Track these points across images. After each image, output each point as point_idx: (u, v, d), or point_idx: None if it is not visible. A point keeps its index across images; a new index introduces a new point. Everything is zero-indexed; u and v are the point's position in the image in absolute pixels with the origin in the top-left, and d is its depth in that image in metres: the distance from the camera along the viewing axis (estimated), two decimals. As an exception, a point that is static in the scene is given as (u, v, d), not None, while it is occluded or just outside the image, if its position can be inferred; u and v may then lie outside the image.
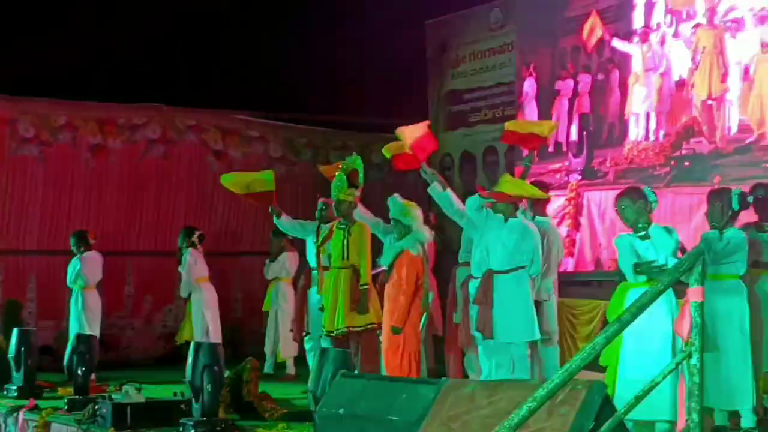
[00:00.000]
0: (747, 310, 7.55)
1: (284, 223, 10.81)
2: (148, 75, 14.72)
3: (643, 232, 7.14)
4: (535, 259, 8.36)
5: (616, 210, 7.49)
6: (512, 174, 10.08)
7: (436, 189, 8.81)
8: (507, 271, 8.33)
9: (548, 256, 8.73)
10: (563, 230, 12.42)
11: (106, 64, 14.77)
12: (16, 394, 10.10)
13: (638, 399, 4.45)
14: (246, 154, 15.09)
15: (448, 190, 8.89)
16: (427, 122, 9.57)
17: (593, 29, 9.56)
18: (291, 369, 12.54)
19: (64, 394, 9.93)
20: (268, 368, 12.42)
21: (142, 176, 14.43)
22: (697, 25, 11.78)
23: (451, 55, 15.91)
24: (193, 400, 8.01)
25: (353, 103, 16.01)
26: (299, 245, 11.67)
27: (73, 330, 11.52)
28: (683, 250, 7.16)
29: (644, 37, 12.40)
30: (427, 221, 9.63)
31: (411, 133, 9.15)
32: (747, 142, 11.12)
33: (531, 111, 13.92)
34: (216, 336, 11.76)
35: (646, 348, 6.97)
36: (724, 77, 11.44)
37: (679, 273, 4.32)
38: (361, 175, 9.93)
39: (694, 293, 4.29)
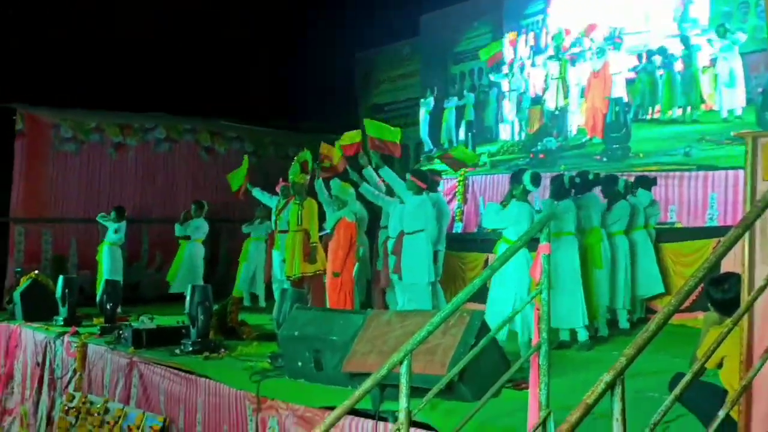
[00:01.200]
0: (577, 257, 7.64)
1: (258, 193, 10.93)
2: (156, 90, 14.50)
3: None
4: (431, 223, 8.45)
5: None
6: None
7: (367, 188, 8.88)
8: (412, 233, 8.42)
9: (441, 220, 8.78)
10: (455, 203, 12.51)
11: (126, 81, 14.53)
12: (62, 323, 9.95)
13: (505, 322, 4.50)
14: (228, 149, 15.01)
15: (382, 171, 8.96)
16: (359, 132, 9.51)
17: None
18: (262, 302, 12.53)
19: (98, 323, 9.81)
20: (246, 302, 12.39)
21: (152, 166, 14.28)
22: (547, 58, 11.89)
23: (373, 78, 15.90)
24: (191, 326, 7.98)
25: (306, 111, 15.95)
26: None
27: (103, 276, 11.39)
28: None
29: (511, 68, 12.48)
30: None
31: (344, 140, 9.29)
32: (583, 141, 11.26)
33: (428, 119, 13.96)
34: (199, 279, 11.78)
35: (508, 286, 7.11)
36: (567, 94, 11.55)
37: (533, 232, 4.38)
38: (310, 164, 9.96)
39: (543, 248, 4.34)
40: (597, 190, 8.40)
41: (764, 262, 3.67)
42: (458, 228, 12.39)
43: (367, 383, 3.88)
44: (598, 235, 7.98)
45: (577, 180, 7.98)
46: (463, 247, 11.10)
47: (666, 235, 9.10)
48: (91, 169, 13.68)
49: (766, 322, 3.58)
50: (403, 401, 3.83)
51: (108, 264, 11.60)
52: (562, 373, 5.83)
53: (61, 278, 10.50)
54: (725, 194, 9.56)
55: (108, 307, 9.67)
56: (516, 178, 7.39)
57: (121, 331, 8.54)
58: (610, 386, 2.95)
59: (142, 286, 13.67)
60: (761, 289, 3.42)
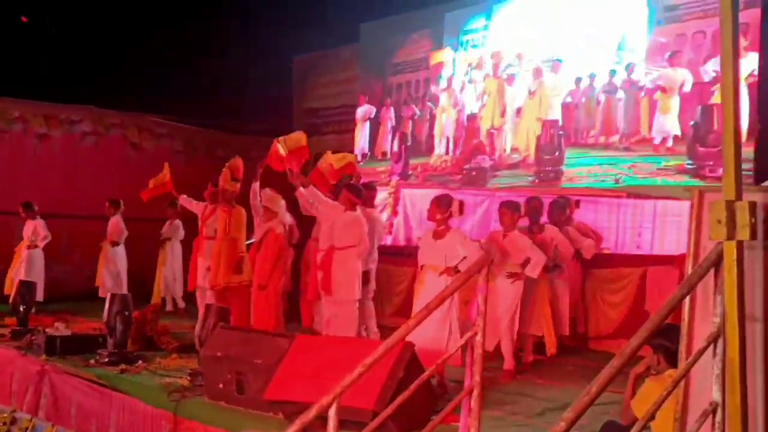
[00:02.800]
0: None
1: (187, 202, 10.62)
2: (83, 82, 14.07)
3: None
4: (362, 240, 8.30)
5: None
6: None
7: (302, 192, 8.63)
8: (343, 248, 8.26)
9: (372, 238, 8.62)
10: (385, 216, 12.37)
11: (53, 72, 14.07)
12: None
13: (437, 366, 4.34)
14: (156, 147, 14.61)
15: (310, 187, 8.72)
16: (303, 135, 9.25)
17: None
18: (180, 302, 12.25)
19: (9, 324, 9.41)
20: (168, 306, 12.11)
21: (76, 159, 13.79)
22: (485, 76, 11.84)
23: (310, 82, 15.66)
24: (108, 337, 7.68)
25: (238, 112, 15.68)
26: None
27: (19, 275, 10.94)
28: None
29: (448, 83, 12.40)
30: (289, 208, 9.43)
31: (289, 143, 8.96)
32: (516, 160, 11.22)
33: (364, 128, 13.81)
34: (124, 284, 11.43)
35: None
36: (502, 113, 11.50)
37: (471, 273, 4.26)
38: (241, 171, 9.70)
39: (481, 289, 4.24)
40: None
41: (705, 320, 3.60)
42: (387, 241, 12.25)
43: (295, 426, 3.68)
44: None
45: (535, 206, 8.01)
46: (392, 261, 10.97)
47: (595, 261, 9.11)
48: (11, 159, 13.16)
49: (703, 382, 3.51)
50: (330, 447, 3.65)
51: (25, 264, 11.14)
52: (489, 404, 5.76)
53: (-30, 275, 10.06)
54: (653, 223, 9.66)
55: (21, 309, 9.25)
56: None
57: (33, 337, 8.19)
58: (550, 454, 2.83)
59: (60, 284, 13.17)
60: (703, 349, 3.35)
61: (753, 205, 3.21)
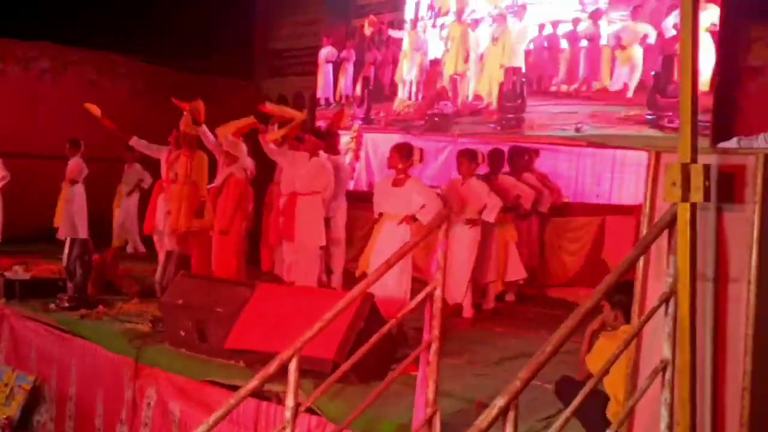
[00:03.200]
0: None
1: (138, 144, 10.42)
2: (43, 17, 13.69)
3: None
4: (328, 187, 8.30)
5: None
6: None
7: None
8: (306, 194, 8.25)
9: (337, 185, 8.62)
10: (347, 159, 12.34)
11: (10, 5, 13.66)
12: None
13: (397, 320, 4.39)
14: (117, 86, 14.36)
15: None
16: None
17: None
18: (140, 246, 12.15)
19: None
20: (129, 249, 12.04)
21: (34, 97, 13.49)
22: (449, 21, 11.76)
23: (274, 21, 15.41)
24: (68, 280, 7.64)
25: (200, 53, 15.40)
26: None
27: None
28: None
29: (412, 26, 12.30)
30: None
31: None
32: (479, 107, 11.22)
33: (326, 71, 13.68)
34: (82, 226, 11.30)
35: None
36: (466, 59, 11.46)
37: (431, 229, 4.30)
38: (202, 115, 9.57)
39: (441, 243, 4.28)
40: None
41: (658, 279, 3.67)
42: (350, 185, 12.24)
43: (255, 381, 3.72)
44: None
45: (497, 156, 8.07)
46: (354, 206, 10.97)
47: (554, 209, 9.20)
48: (-36, 95, 12.85)
49: (654, 340, 3.60)
50: (290, 400, 3.70)
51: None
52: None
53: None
54: (612, 172, 9.77)
55: (-22, 252, 9.16)
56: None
57: (-9, 281, 8.11)
58: (503, 411, 2.89)
59: (19, 224, 12.99)
60: (656, 308, 3.43)
61: (707, 168, 3.27)
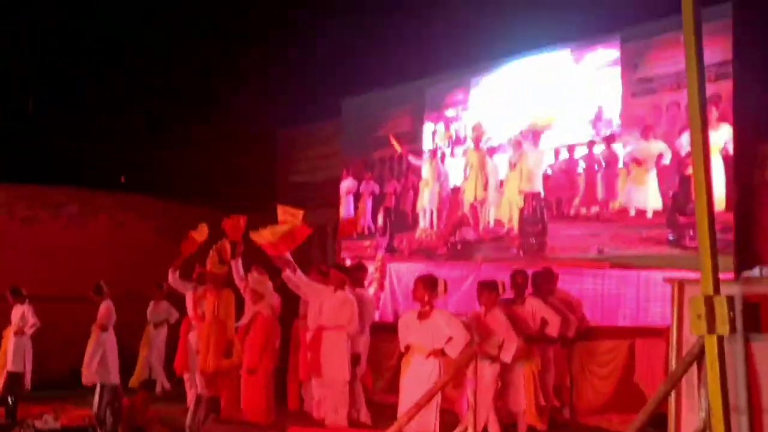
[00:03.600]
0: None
1: (174, 279, 10.53)
2: (70, 164, 14.17)
3: None
4: (352, 321, 8.32)
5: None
6: None
7: (289, 276, 8.71)
8: (331, 329, 8.28)
9: (362, 318, 8.63)
10: (371, 290, 12.39)
11: (38, 153, 14.16)
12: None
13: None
14: (144, 226, 14.65)
15: (297, 272, 8.78)
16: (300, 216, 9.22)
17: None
18: (167, 383, 12.08)
19: (-4, 417, 9.31)
20: (157, 388, 12.00)
21: (62, 241, 13.77)
22: (466, 149, 12.01)
23: (294, 156, 15.78)
24: (98, 428, 7.62)
25: (224, 190, 15.76)
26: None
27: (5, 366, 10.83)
28: None
29: (430, 155, 12.56)
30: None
31: (283, 222, 9.00)
32: (500, 233, 11.32)
33: (348, 203, 13.91)
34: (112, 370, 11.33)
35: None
36: (485, 186, 11.63)
37: (460, 369, 4.30)
38: (228, 253, 9.72)
39: (470, 382, 4.28)
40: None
41: (691, 411, 3.65)
42: (375, 316, 12.25)
43: None
44: None
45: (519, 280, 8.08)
46: (380, 336, 10.96)
47: (582, 333, 9.08)
48: (-3, 243, 13.14)
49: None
50: None
51: (11, 353, 11.02)
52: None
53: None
54: (636, 293, 9.70)
55: (9, 401, 9.16)
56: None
57: (22, 431, 8.10)
58: None
59: (47, 368, 13.02)
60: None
61: (731, 300, 3.29)
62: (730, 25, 8.93)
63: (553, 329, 8.37)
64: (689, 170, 9.21)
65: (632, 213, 9.84)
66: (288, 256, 8.73)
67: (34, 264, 13.39)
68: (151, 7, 14.50)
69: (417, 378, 6.69)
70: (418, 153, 12.74)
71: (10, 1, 12.84)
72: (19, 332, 11.11)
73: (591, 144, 10.34)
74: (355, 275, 9.01)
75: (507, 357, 7.50)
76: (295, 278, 8.53)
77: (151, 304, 12.34)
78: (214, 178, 16.00)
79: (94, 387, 8.48)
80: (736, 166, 8.81)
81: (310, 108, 14.75)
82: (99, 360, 11.22)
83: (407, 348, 7.22)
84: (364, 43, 13.10)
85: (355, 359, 8.41)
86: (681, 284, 3.75)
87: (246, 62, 15.00)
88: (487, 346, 7.53)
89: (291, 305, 10.43)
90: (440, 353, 6.84)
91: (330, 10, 13.17)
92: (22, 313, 11.21)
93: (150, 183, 14.97)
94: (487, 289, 7.75)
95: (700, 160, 3.32)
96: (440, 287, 7.17)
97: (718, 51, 8.90)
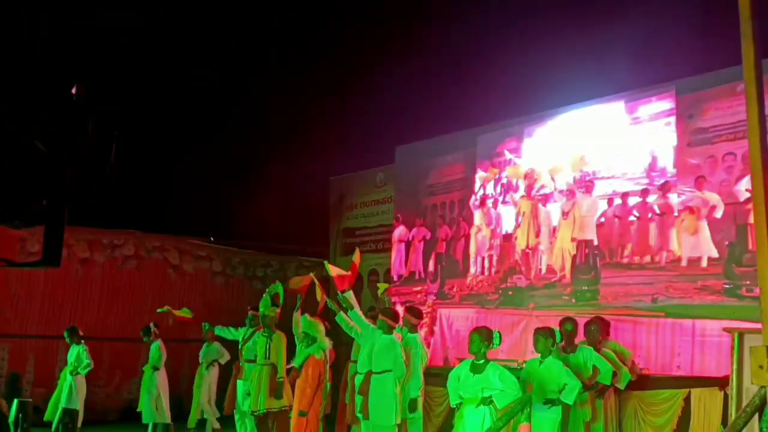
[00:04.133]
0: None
1: (220, 331, 10.71)
2: (126, 208, 14.47)
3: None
4: (398, 364, 8.33)
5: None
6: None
7: (343, 318, 8.83)
8: (380, 372, 8.32)
9: (409, 362, 8.62)
10: (421, 334, 12.38)
11: (96, 197, 14.46)
12: (13, 450, 9.59)
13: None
14: (196, 268, 14.89)
15: (350, 313, 8.87)
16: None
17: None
18: (216, 424, 12.16)
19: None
20: (207, 429, 12.10)
21: (118, 282, 14.04)
22: (519, 196, 12.02)
23: (347, 202, 15.91)
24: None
25: (276, 233, 15.99)
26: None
27: (61, 402, 11.03)
28: None
29: (482, 202, 12.60)
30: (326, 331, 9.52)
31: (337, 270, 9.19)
32: (552, 280, 11.28)
33: (399, 249, 13.98)
34: (166, 410, 11.47)
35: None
36: (537, 233, 11.62)
37: (513, 414, 4.30)
38: (281, 297, 9.87)
39: (524, 429, 4.28)
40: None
41: (752, 462, 3.61)
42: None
43: None
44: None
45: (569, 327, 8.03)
46: (429, 382, 10.92)
47: (635, 382, 9.00)
48: (54, 284, 13.43)
49: None
50: None
51: (67, 391, 11.23)
52: None
53: (15, 402, 10.16)
54: (692, 343, 9.58)
55: (62, 438, 9.34)
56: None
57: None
58: None
59: (99, 407, 13.24)
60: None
61: (793, 350, 3.27)
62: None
63: (605, 378, 8.30)
64: (747, 220, 9.14)
65: (684, 263, 9.74)
66: (352, 294, 8.87)
67: (91, 305, 13.68)
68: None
69: (471, 427, 6.67)
70: (471, 200, 12.78)
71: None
72: (75, 372, 11.33)
73: (645, 192, 10.30)
74: (412, 322, 9.04)
75: (570, 398, 7.46)
76: (351, 315, 8.64)
77: (204, 345, 12.50)
78: (266, 224, 16.27)
79: (147, 426, 8.60)
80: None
81: (366, 155, 14.95)
82: (151, 398, 11.42)
83: (460, 403, 7.14)
84: (420, 91, 13.31)
85: (411, 404, 8.42)
86: (741, 334, 3.73)
87: (305, 110, 15.32)
88: (545, 393, 7.48)
89: (342, 349, 10.52)
90: (490, 401, 6.82)
91: (385, 58, 13.40)
92: (77, 353, 11.44)
93: (202, 227, 15.24)
94: (543, 335, 7.74)
95: (762, 209, 3.32)
96: (495, 340, 7.17)
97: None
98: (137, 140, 15.13)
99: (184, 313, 11.34)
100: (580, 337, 8.77)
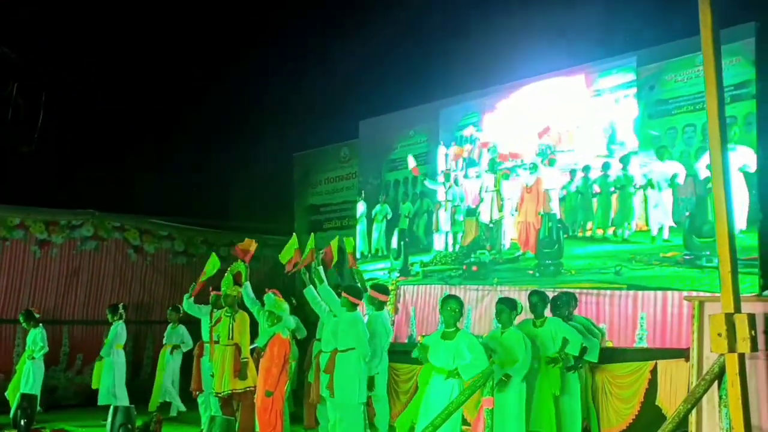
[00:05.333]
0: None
1: (188, 306, 10.53)
2: (84, 187, 14.26)
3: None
4: (361, 342, 8.31)
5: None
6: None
7: (311, 292, 8.78)
8: (345, 350, 8.31)
9: (372, 341, 8.58)
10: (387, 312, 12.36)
11: (53, 177, 14.26)
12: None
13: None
14: (158, 248, 14.72)
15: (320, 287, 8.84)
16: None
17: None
18: (181, 406, 12.09)
19: (9, 434, 9.41)
20: (172, 412, 12.04)
21: (77, 264, 13.83)
22: (481, 171, 12.01)
23: (311, 178, 15.81)
24: (112, 449, 7.66)
25: (240, 211, 15.88)
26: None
27: (19, 387, 10.93)
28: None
29: (445, 178, 12.59)
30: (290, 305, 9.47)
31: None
32: (516, 255, 11.33)
33: (362, 225, 13.94)
34: (122, 392, 11.42)
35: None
36: (500, 208, 11.66)
37: (477, 387, 4.31)
38: (244, 275, 9.79)
39: (487, 402, 4.29)
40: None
41: (713, 431, 3.65)
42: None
43: None
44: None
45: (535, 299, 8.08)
46: (395, 359, 10.93)
47: (601, 356, 9.04)
48: (11, 266, 13.21)
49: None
50: None
51: (26, 376, 11.11)
52: None
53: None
54: (654, 314, 9.68)
55: (22, 423, 9.22)
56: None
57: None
58: None
59: (61, 391, 13.11)
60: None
61: (752, 318, 3.29)
62: (752, 45, 8.91)
63: (574, 348, 8.34)
64: (705, 190, 9.23)
65: (649, 234, 9.82)
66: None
67: (50, 287, 13.50)
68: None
69: (436, 398, 6.68)
70: (433, 175, 12.77)
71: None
72: (32, 357, 11.22)
73: (606, 165, 10.35)
74: (377, 299, 8.97)
75: (518, 375, 7.51)
76: (323, 293, 8.62)
77: (169, 327, 12.41)
78: (229, 203, 16.16)
79: (107, 408, 8.53)
80: (761, 184, 8.77)
81: (330, 130, 14.83)
82: (110, 380, 11.35)
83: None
84: (384, 64, 13.22)
85: (368, 382, 8.41)
86: (701, 302, 3.76)
87: (266, 86, 15.15)
88: (505, 364, 7.54)
89: (307, 328, 10.49)
90: (457, 374, 6.85)
91: (345, 31, 13.28)
92: (34, 337, 11.32)
93: (163, 206, 15.06)
94: (507, 305, 7.79)
95: (719, 179, 3.34)
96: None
97: (736, 73, 8.92)
98: (95, 119, 14.97)
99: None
100: (547, 313, 8.80)
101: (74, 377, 13.30)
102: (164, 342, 12.32)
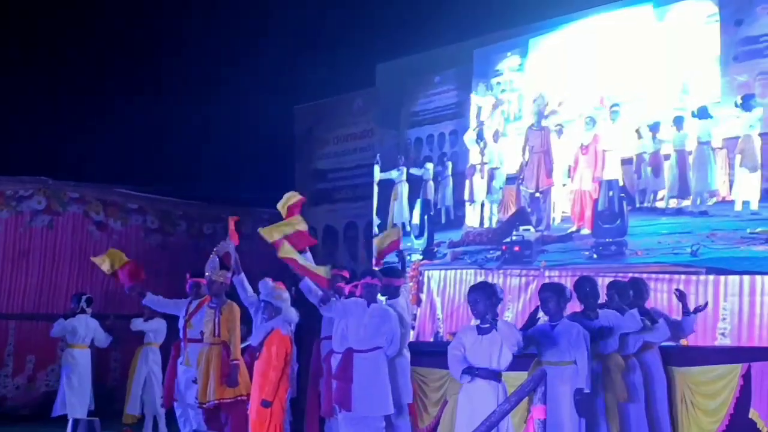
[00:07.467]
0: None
1: (151, 300, 10.47)
2: (34, 150, 14.30)
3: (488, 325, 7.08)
4: (393, 340, 8.33)
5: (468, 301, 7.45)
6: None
7: (306, 284, 8.72)
8: (365, 351, 8.29)
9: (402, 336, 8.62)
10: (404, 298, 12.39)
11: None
12: None
13: None
14: (126, 225, 14.79)
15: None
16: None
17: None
18: (161, 423, 12.15)
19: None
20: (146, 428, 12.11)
21: (26, 244, 13.90)
22: (527, 127, 11.99)
23: (316, 136, 15.80)
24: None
25: (226, 179, 15.84)
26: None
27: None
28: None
29: (478, 135, 12.58)
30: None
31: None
32: (568, 231, 11.34)
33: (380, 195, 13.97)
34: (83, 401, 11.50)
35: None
36: (549, 173, 11.67)
37: (524, 394, 4.37)
38: (231, 257, 9.76)
39: (537, 411, 4.34)
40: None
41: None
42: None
43: None
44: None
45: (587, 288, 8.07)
46: (420, 361, 10.99)
47: (674, 357, 8.99)
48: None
49: None
50: None
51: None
52: None
53: None
54: (740, 304, 9.66)
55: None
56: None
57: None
58: None
59: (10, 401, 13.22)
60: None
61: None
62: None
63: (633, 346, 8.35)
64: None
65: (733, 205, 9.80)
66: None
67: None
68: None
69: (479, 406, 6.64)
70: (464, 131, 12.76)
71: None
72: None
73: (680, 120, 10.32)
74: (387, 282, 8.92)
75: (584, 383, 7.46)
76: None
77: (140, 320, 12.40)
78: (215, 168, 16.13)
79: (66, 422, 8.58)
80: None
81: (337, 76, 14.80)
82: (71, 387, 11.41)
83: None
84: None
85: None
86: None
87: (258, 19, 15.12)
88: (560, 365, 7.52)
89: (311, 322, 10.51)
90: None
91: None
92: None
93: (134, 174, 15.11)
94: (555, 293, 7.71)
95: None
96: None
97: None
98: (47, 69, 15.01)
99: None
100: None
101: (25, 384, 13.37)
102: (145, 341, 12.31)
